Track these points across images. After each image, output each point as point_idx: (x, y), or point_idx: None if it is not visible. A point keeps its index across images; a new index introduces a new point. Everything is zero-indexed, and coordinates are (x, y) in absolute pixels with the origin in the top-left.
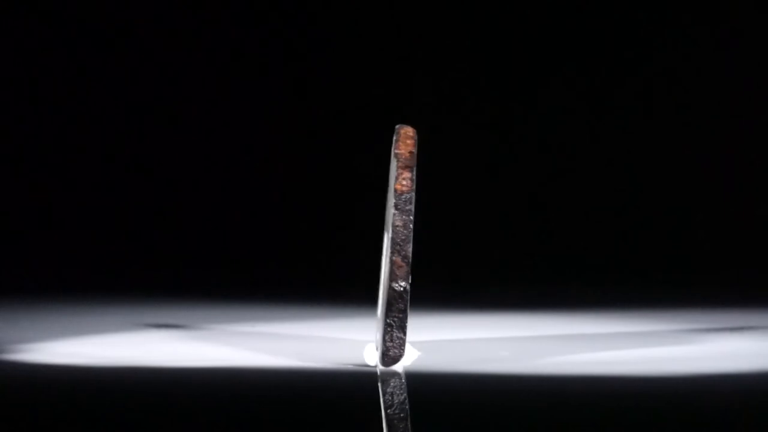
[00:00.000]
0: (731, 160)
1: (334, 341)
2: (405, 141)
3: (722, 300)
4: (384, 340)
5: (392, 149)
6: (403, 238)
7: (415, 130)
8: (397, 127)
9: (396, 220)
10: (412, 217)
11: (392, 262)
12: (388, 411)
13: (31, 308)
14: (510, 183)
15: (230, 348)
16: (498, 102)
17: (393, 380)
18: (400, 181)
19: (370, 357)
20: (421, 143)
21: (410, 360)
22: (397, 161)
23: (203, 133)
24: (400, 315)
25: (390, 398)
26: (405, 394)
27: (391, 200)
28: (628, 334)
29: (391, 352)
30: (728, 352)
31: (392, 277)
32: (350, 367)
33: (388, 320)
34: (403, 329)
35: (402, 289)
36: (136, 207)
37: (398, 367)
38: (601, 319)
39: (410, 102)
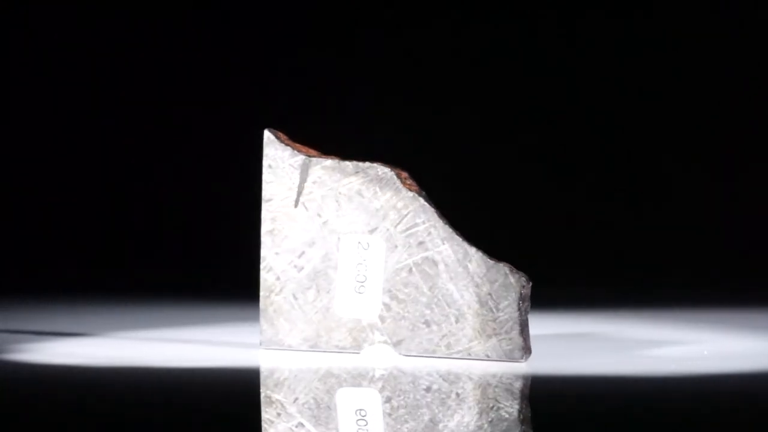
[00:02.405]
0: (731, 160)
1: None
2: (294, 144)
3: (722, 300)
4: (523, 335)
5: (281, 153)
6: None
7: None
8: (268, 131)
9: (444, 221)
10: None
11: (494, 260)
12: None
13: (31, 308)
14: (510, 182)
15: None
16: (498, 102)
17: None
18: (405, 182)
19: (380, 359)
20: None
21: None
22: (374, 164)
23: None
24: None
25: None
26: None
27: (277, 201)
28: (627, 333)
29: (527, 344)
30: (728, 352)
31: (519, 276)
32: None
33: (522, 317)
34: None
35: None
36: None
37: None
38: (600, 318)
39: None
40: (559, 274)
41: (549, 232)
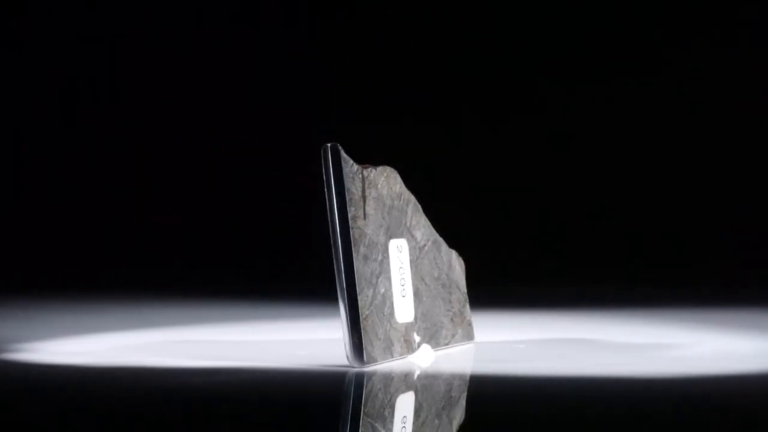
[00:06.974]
0: (731, 160)
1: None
2: (356, 164)
3: (722, 300)
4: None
5: (349, 167)
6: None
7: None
8: (337, 145)
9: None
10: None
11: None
12: None
13: (32, 308)
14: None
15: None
16: (498, 102)
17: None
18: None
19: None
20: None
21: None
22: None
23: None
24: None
25: None
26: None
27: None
28: (627, 334)
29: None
30: (728, 352)
31: (462, 259)
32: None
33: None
34: None
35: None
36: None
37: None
38: (599, 319)
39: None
40: (558, 274)
41: (548, 233)
